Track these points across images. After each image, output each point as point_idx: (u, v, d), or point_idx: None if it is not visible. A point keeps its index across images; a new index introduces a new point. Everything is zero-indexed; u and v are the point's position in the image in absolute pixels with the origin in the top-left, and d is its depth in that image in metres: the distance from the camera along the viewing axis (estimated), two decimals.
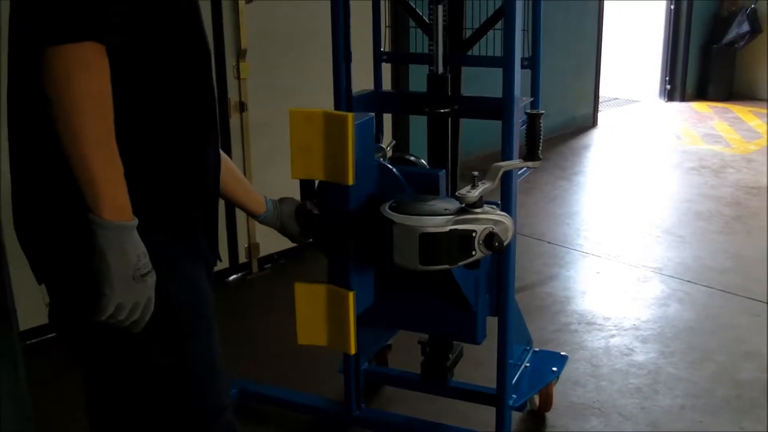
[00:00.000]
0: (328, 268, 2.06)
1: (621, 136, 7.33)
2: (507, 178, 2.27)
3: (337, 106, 2.41)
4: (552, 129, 7.01)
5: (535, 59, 2.52)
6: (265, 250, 4.17)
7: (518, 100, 2.26)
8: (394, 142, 2.51)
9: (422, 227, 1.78)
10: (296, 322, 2.05)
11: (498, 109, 2.25)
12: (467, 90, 2.57)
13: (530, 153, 2.00)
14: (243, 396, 2.88)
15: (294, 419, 2.86)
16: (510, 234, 1.87)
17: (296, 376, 3.12)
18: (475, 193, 1.80)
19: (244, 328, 3.54)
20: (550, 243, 4.59)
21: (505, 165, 1.97)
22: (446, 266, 1.83)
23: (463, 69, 2.57)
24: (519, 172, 2.40)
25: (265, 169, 4.02)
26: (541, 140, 2.01)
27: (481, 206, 1.83)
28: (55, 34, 1.25)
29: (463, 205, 1.82)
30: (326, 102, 2.45)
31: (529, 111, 2.01)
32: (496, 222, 1.83)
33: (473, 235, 1.78)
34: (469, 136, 5.07)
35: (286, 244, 2.19)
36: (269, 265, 4.23)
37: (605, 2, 7.43)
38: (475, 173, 1.87)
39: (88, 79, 1.27)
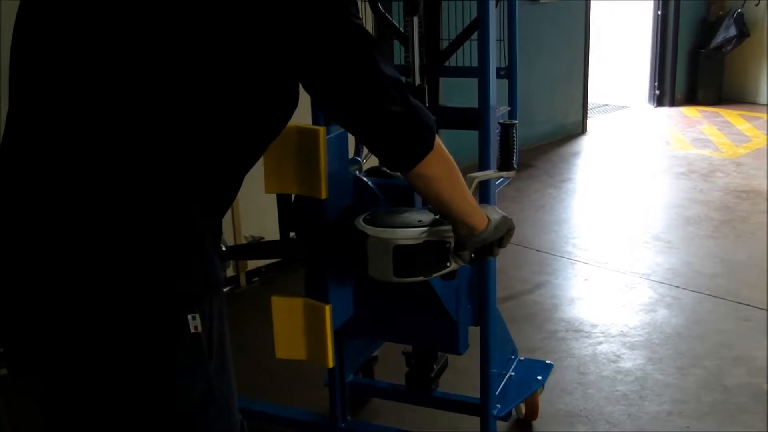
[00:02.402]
0: (305, 281, 2.05)
1: (610, 142, 7.34)
2: (485, 188, 2.28)
3: (315, 120, 2.41)
4: (541, 136, 7.03)
5: (512, 69, 2.53)
6: (253, 264, 4.16)
7: (495, 109, 2.26)
8: (371, 155, 2.50)
9: (395, 239, 1.77)
10: (274, 336, 2.04)
11: (475, 119, 2.25)
12: (453, 101, 2.57)
13: (504, 163, 2.00)
14: None
15: None
16: None
17: (282, 389, 3.12)
18: None
19: (231, 342, 3.52)
20: (537, 251, 4.59)
21: (479, 175, 1.96)
22: (421, 278, 1.82)
23: (447, 80, 2.58)
24: (497, 182, 2.40)
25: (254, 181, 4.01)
26: (516, 150, 2.00)
27: None
28: (418, 152, 1.47)
29: (437, 217, 1.82)
30: (306, 115, 2.44)
31: (502, 121, 2.01)
32: None
33: (447, 246, 1.78)
34: (454, 147, 5.08)
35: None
36: (257, 278, 4.22)
37: (591, 8, 7.45)
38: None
39: (449, 159, 1.55)
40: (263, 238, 2.24)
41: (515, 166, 1.99)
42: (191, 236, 1.35)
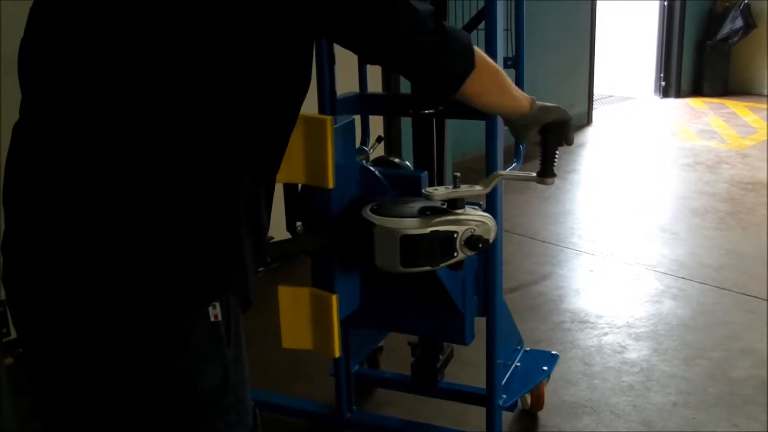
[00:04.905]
0: (311, 270, 2.05)
1: (616, 133, 7.32)
2: None
3: (321, 109, 2.41)
4: None
5: (519, 58, 2.52)
6: None
7: None
8: (377, 144, 2.50)
9: (402, 229, 1.77)
10: (281, 326, 2.04)
11: None
12: None
13: (544, 169, 1.83)
14: None
15: (286, 423, 2.85)
16: (492, 235, 1.86)
17: (288, 379, 3.12)
18: (440, 191, 1.80)
19: None
20: (543, 242, 4.58)
21: (505, 174, 1.92)
22: (428, 268, 1.82)
23: None
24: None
25: None
26: (557, 154, 1.83)
27: (462, 207, 1.82)
28: (460, 75, 1.46)
29: (445, 206, 1.81)
30: (313, 104, 2.44)
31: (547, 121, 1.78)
32: (477, 223, 1.82)
33: (454, 236, 1.78)
34: (463, 136, 5.06)
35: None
36: (262, 268, 4.21)
37: (598, 0, 7.43)
38: (457, 174, 1.86)
39: (491, 68, 1.53)
40: (272, 237, 2.24)
41: (555, 173, 1.84)
42: (209, 233, 1.34)
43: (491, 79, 1.56)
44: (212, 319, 1.35)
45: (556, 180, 1.90)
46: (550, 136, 1.77)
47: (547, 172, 1.82)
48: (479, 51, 1.50)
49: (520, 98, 1.68)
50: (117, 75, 1.27)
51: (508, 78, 1.62)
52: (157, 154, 1.28)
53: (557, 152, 1.82)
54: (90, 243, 1.29)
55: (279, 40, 1.34)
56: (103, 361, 1.35)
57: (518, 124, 1.72)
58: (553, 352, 2.95)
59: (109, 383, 1.36)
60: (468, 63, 1.47)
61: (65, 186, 1.30)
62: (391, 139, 4.53)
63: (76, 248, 1.30)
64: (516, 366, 2.74)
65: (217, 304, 1.35)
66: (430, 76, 1.47)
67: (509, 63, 2.51)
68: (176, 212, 1.30)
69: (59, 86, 1.32)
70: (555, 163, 1.82)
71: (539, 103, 1.73)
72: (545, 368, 2.81)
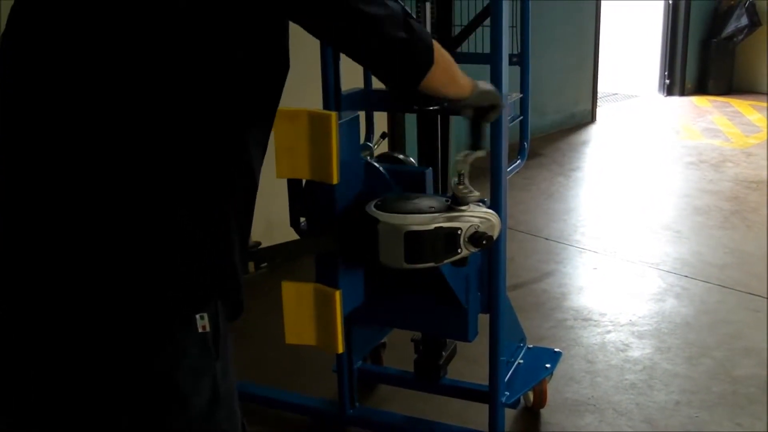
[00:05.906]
0: (315, 266, 2.05)
1: (620, 131, 7.31)
2: (496, 175, 2.27)
3: (325, 105, 2.40)
4: (550, 125, 7.01)
5: (524, 56, 2.51)
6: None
7: (506, 96, 2.25)
8: (382, 140, 2.50)
9: (407, 225, 1.77)
10: (284, 322, 2.05)
11: None
12: None
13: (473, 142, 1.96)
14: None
15: (288, 419, 2.85)
16: (496, 231, 1.87)
17: (291, 375, 3.12)
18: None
19: (239, 328, 3.53)
20: (546, 239, 4.58)
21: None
22: (432, 264, 1.82)
23: (459, 66, 2.56)
24: (509, 169, 2.39)
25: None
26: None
27: (466, 204, 1.83)
28: (420, 72, 1.51)
29: (449, 203, 1.82)
30: (317, 100, 2.44)
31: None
32: (481, 220, 1.82)
33: (458, 232, 1.78)
34: (464, 133, 5.03)
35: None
36: (265, 264, 4.22)
37: None
38: (462, 170, 1.86)
39: (447, 62, 1.61)
40: (260, 243, 2.25)
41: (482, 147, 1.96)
42: (201, 235, 1.33)
43: (445, 73, 1.62)
44: (200, 330, 1.33)
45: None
46: (479, 116, 1.89)
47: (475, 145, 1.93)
48: (437, 46, 1.55)
49: (465, 86, 1.76)
50: (110, 75, 1.26)
51: (458, 68, 1.69)
52: (150, 155, 1.27)
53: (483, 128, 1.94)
54: (82, 245, 1.28)
55: (264, 30, 1.34)
56: (97, 373, 1.32)
57: (458, 105, 1.83)
58: (555, 350, 2.95)
59: (104, 395, 1.34)
60: (429, 60, 1.52)
61: (57, 187, 1.29)
62: (395, 135, 4.52)
63: (68, 251, 1.29)
64: (519, 363, 2.74)
65: (206, 315, 1.33)
66: (396, 70, 1.52)
67: (514, 60, 2.51)
68: (169, 213, 1.29)
69: (49, 86, 1.30)
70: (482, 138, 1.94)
71: (480, 87, 1.82)
72: (548, 366, 2.81)
